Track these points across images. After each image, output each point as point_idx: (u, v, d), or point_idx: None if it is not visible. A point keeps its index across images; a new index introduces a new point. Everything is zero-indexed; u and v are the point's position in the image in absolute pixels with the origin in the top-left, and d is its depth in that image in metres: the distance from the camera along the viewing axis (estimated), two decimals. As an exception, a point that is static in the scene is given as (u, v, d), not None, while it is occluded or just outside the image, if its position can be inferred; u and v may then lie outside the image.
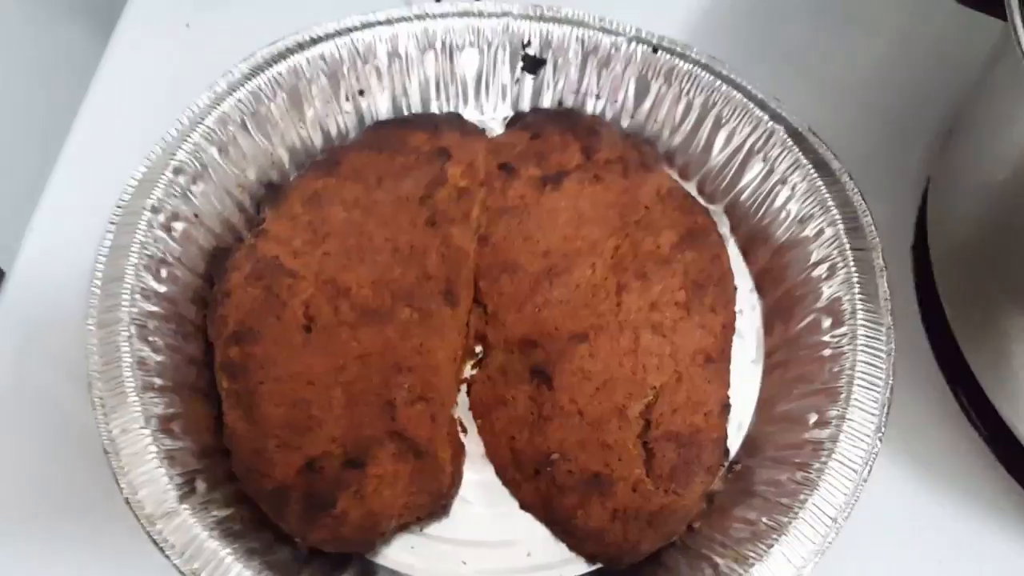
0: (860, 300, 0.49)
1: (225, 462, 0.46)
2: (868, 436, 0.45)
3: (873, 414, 0.46)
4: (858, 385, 0.46)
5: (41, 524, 0.49)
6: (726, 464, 0.49)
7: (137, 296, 0.47)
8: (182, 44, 0.65)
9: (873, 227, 0.50)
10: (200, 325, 0.50)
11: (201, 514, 0.43)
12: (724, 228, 0.56)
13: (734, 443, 0.50)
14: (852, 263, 0.50)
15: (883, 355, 0.47)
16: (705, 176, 0.57)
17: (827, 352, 0.49)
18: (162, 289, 0.49)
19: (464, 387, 0.51)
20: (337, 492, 0.44)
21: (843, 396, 0.46)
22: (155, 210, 0.50)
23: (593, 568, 0.47)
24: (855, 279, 0.49)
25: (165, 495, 0.42)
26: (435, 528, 0.48)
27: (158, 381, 0.46)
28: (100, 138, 0.61)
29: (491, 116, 0.60)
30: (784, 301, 0.53)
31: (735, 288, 0.53)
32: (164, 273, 0.49)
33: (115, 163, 0.51)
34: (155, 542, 0.41)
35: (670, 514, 0.46)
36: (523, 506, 0.48)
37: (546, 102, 0.60)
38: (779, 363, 0.52)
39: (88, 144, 0.61)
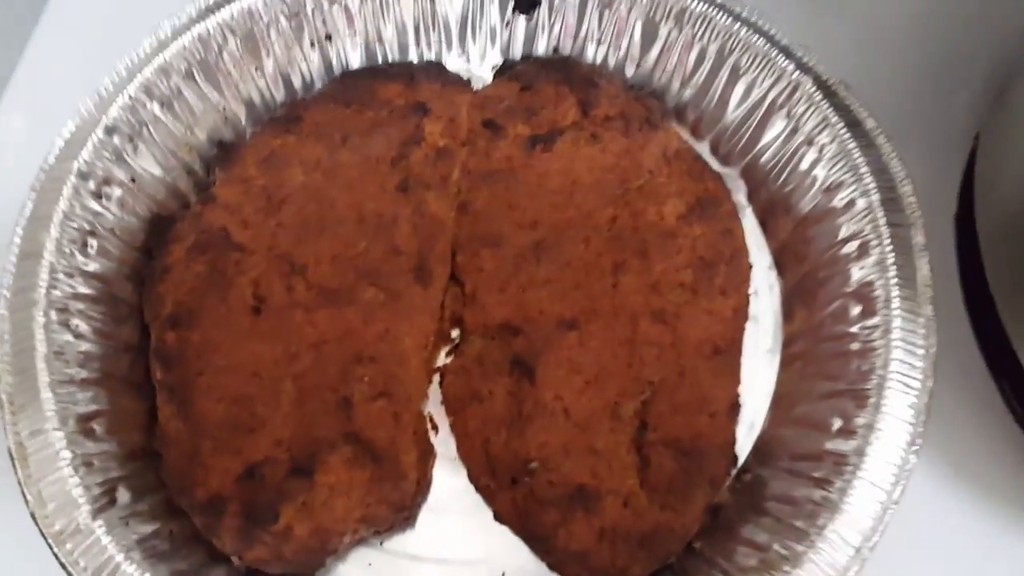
0: (896, 286, 0.43)
1: (155, 466, 0.42)
2: (901, 450, 0.40)
3: (908, 423, 0.40)
4: (890, 388, 0.41)
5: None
6: (733, 472, 0.44)
7: (59, 275, 0.44)
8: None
9: (914, 198, 0.45)
10: (137, 305, 0.47)
11: (120, 531, 0.38)
12: (740, 195, 0.52)
13: (744, 447, 0.45)
14: (887, 241, 0.44)
15: (921, 352, 0.42)
16: (720, 135, 0.52)
17: (855, 346, 0.43)
18: (90, 267, 0.45)
19: (437, 377, 0.47)
20: (280, 504, 0.40)
21: (872, 401, 0.41)
22: (83, 175, 0.46)
23: (576, 593, 0.42)
24: (890, 261, 0.44)
25: (78, 509, 0.38)
26: (398, 541, 0.43)
27: (80, 373, 0.42)
28: (36, 91, 0.57)
29: (478, 65, 0.56)
30: (807, 282, 0.47)
31: (750, 266, 0.48)
32: (93, 247, 0.46)
33: (50, 120, 0.47)
34: (63, 565, 0.37)
35: (666, 533, 0.41)
36: (498, 517, 0.44)
37: (540, 49, 0.55)
38: (799, 354, 0.46)
39: (22, 99, 0.57)
